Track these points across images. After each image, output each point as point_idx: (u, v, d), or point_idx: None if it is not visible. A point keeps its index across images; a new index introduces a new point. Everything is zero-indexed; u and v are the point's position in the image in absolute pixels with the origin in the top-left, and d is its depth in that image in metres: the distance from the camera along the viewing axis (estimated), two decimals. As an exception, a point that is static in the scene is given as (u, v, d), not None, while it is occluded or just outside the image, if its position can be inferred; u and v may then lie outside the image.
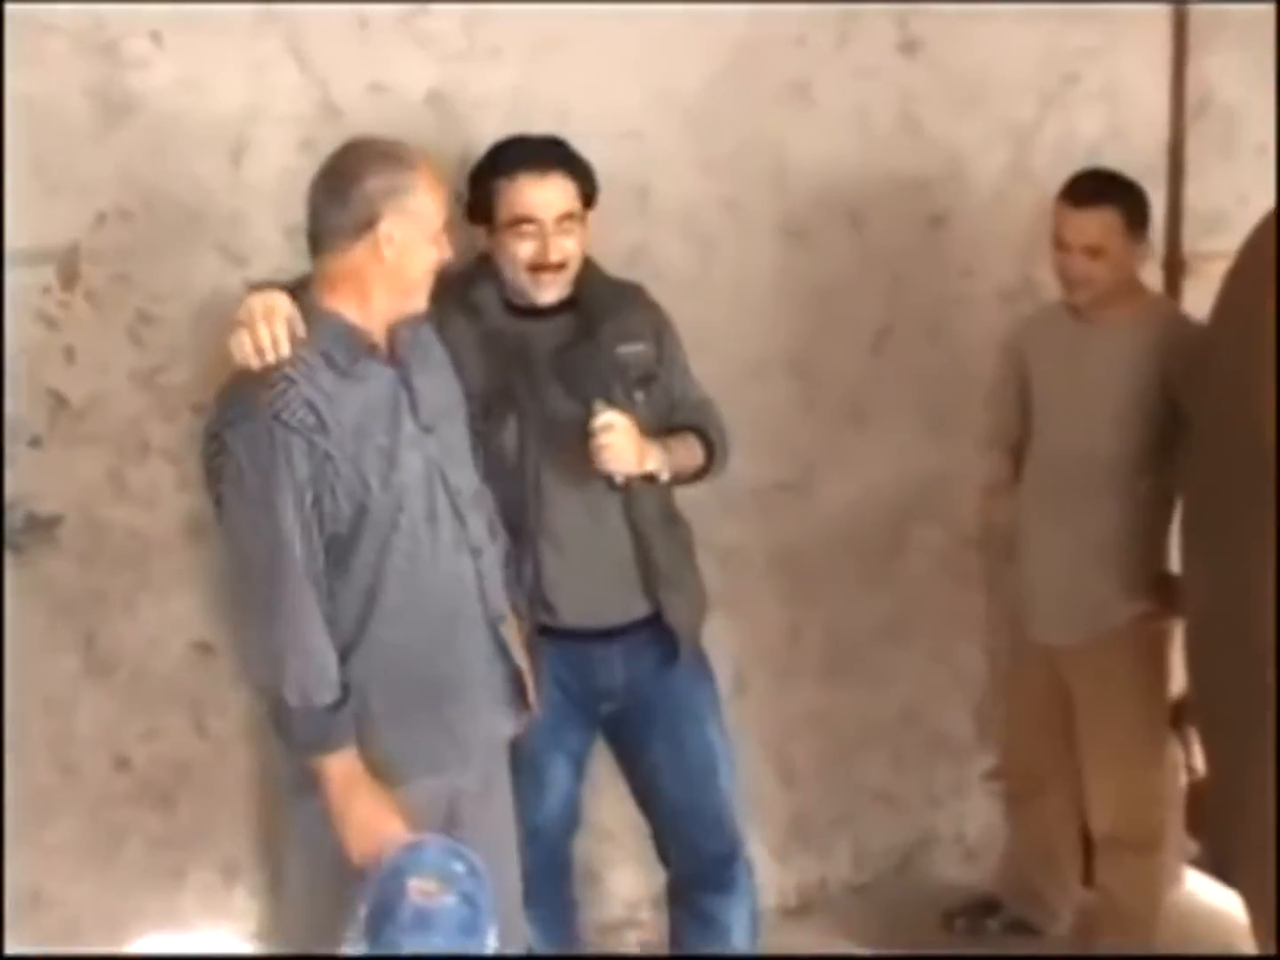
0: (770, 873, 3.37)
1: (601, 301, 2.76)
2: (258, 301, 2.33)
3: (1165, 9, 3.51)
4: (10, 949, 2.72)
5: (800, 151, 3.27)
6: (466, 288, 2.73)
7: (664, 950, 3.12)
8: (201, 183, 2.80)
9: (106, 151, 2.73)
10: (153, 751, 2.93)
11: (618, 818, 3.22)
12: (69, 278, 2.74)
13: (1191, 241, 3.56)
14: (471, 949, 2.22)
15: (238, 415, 2.31)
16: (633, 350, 2.75)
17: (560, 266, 2.70)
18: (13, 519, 2.76)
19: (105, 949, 2.90)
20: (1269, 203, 2.78)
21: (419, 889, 2.20)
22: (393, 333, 2.44)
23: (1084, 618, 3.14)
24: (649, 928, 3.38)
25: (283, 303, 2.34)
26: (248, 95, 2.81)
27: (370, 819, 2.31)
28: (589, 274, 2.78)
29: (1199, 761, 3.18)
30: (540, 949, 2.87)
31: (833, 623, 3.50)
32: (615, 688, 2.84)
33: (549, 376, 2.70)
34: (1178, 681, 3.14)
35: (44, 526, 2.79)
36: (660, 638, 2.82)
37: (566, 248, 2.70)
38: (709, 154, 3.19)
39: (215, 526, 2.45)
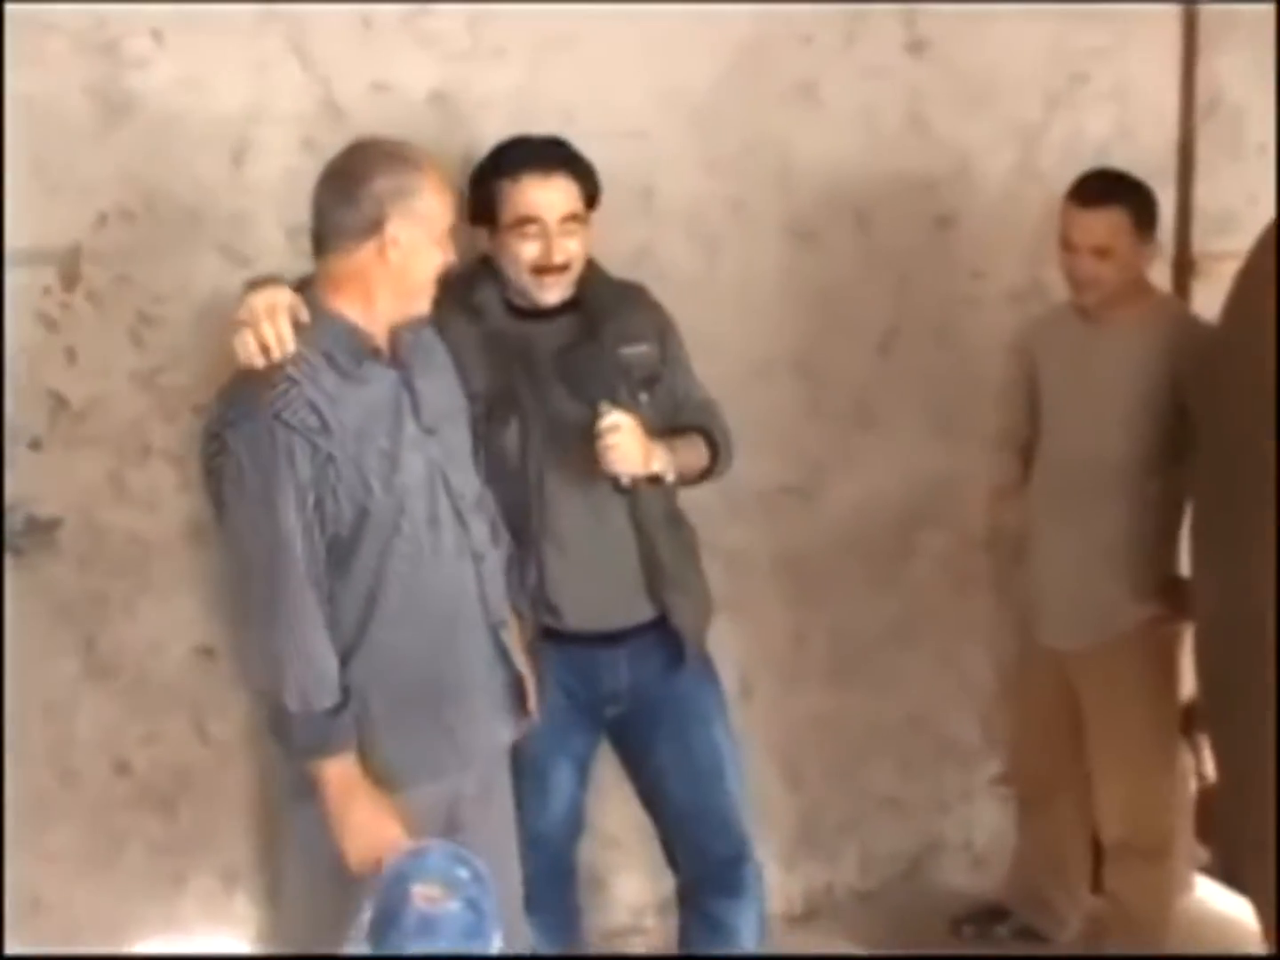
0: (776, 879, 3.34)
1: (604, 302, 2.75)
2: (259, 299, 2.31)
3: (1175, 9, 3.50)
4: (10, 954, 2.71)
5: (806, 151, 3.26)
6: (468, 289, 2.71)
7: (669, 957, 3.10)
8: (203, 183, 2.79)
9: (107, 151, 2.72)
10: (153, 756, 2.91)
11: (622, 823, 3.21)
12: (69, 278, 2.73)
13: (1201, 242, 3.54)
14: (476, 954, 2.20)
15: (239, 415, 2.29)
16: (636, 351, 2.72)
17: (564, 268, 2.69)
18: (13, 521, 2.74)
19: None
20: (1279, 202, 2.77)
21: (423, 894, 2.18)
22: (395, 335, 2.43)
23: (1093, 621, 3.12)
24: (654, 934, 3.36)
25: (284, 297, 2.32)
26: (249, 95, 2.80)
27: (368, 824, 2.30)
28: (591, 275, 2.77)
29: (1209, 767, 3.16)
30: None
31: (839, 626, 3.49)
32: (620, 691, 2.82)
33: (551, 378, 2.69)
34: (1188, 686, 3.12)
35: (44, 529, 2.77)
36: (665, 641, 2.80)
37: (570, 249, 2.69)
38: (714, 154, 3.18)
39: (215, 528, 2.43)
